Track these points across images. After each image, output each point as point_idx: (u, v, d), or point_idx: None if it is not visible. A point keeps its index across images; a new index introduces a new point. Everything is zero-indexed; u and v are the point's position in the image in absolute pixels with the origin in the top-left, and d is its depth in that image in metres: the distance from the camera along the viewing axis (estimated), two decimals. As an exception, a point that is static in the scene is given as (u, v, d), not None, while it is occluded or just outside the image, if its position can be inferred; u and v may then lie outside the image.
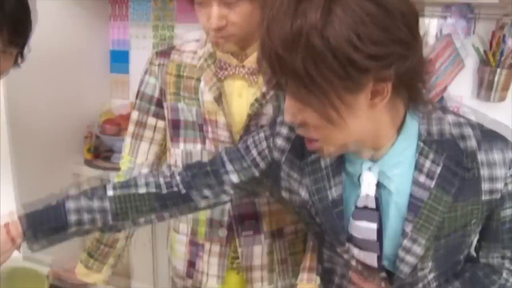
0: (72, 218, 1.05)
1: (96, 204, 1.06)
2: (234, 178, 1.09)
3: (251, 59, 1.26)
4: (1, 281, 1.09)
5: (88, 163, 2.48)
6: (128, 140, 1.40)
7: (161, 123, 1.36)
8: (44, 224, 1.04)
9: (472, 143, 0.93)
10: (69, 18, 2.42)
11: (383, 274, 1.05)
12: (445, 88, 2.11)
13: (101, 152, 2.55)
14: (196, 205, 1.11)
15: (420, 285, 1.03)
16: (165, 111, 1.34)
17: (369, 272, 1.07)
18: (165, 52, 1.36)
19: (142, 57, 2.61)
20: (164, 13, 2.57)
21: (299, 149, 1.02)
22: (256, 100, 1.25)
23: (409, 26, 0.78)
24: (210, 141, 1.30)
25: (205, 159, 1.29)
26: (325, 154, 0.91)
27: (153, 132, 1.37)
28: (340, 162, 0.98)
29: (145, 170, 1.40)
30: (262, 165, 1.07)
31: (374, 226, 0.96)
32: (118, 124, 2.46)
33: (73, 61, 2.47)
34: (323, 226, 1.01)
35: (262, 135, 1.08)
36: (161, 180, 1.11)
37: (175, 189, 1.10)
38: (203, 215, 1.35)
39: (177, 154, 1.34)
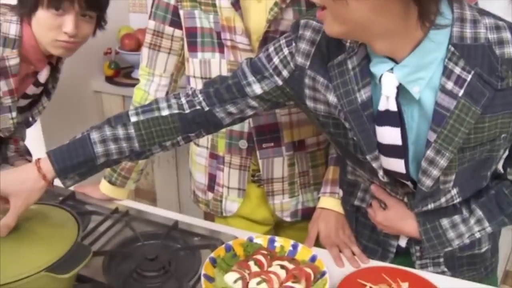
0: (99, 149, 1.03)
1: (120, 132, 1.05)
2: (257, 88, 1.05)
3: (271, -39, 1.18)
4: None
5: (109, 80, 2.46)
6: (145, 51, 1.35)
7: (178, 32, 1.31)
8: (73, 159, 1.02)
9: (510, 49, 0.85)
10: None
11: (408, 188, 1.02)
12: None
13: (121, 68, 2.51)
14: (221, 122, 1.09)
15: (443, 199, 1.00)
16: (182, 19, 1.28)
17: (392, 186, 1.05)
18: (181, -43, 1.27)
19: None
20: None
21: (325, 51, 0.96)
22: (276, 4, 1.18)
23: None
24: (228, 49, 1.24)
25: (224, 68, 1.26)
26: (326, 29, 0.87)
27: (170, 41, 1.32)
28: (366, 63, 0.92)
29: (164, 82, 1.36)
30: (285, 72, 1.02)
31: (397, 131, 0.91)
32: (137, 38, 2.40)
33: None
34: (353, 131, 0.96)
35: (283, 41, 1.02)
36: (183, 100, 1.08)
37: (198, 107, 1.06)
38: (223, 126, 1.33)
39: (195, 64, 1.30)
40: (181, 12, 1.27)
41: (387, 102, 0.90)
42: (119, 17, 2.61)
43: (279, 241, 1.16)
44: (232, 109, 1.07)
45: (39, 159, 1.03)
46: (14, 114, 1.42)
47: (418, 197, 0.99)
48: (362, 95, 0.93)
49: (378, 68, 0.89)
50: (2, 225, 0.97)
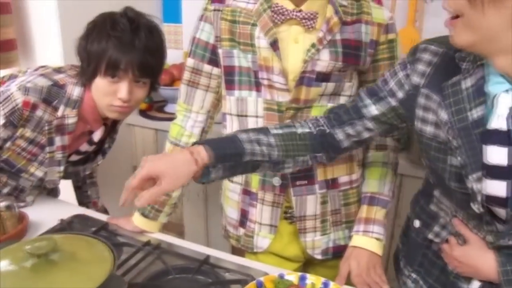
0: (248, 146, 1.09)
1: (264, 138, 1.12)
2: (373, 110, 1.12)
3: (308, 4, 1.22)
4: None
5: (142, 113, 2.51)
6: (183, 87, 1.39)
7: (216, 70, 1.34)
8: (226, 149, 1.06)
9: None
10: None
11: (493, 226, 0.98)
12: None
13: (154, 102, 2.57)
14: (339, 144, 1.17)
15: None
16: (220, 58, 1.31)
17: (477, 221, 1.02)
18: (220, -4, 1.32)
19: (195, 5, 2.59)
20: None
21: (441, 72, 1.00)
22: (313, 45, 1.21)
23: None
24: (265, 87, 1.27)
25: (260, 106, 1.28)
26: (454, 38, 0.89)
27: (208, 79, 1.36)
28: (482, 84, 0.94)
29: (200, 118, 1.40)
30: (400, 94, 1.08)
31: (505, 150, 0.91)
32: (171, 74, 2.46)
33: (126, 10, 2.46)
34: (460, 149, 0.95)
35: (398, 66, 1.09)
36: (310, 123, 1.18)
37: (322, 127, 1.16)
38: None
39: (232, 101, 1.33)
40: (220, 51, 1.31)
41: (498, 121, 0.91)
42: (155, 53, 2.68)
43: (310, 279, 1.15)
44: (350, 130, 1.15)
45: (189, 147, 1.05)
46: (62, 168, 1.51)
47: (509, 226, 0.96)
48: (474, 114, 0.94)
49: (495, 88, 0.91)
50: (142, 197, 1.00)
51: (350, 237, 1.34)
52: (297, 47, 1.24)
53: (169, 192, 1.38)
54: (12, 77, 1.51)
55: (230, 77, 1.31)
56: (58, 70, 1.47)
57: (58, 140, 1.44)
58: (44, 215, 1.49)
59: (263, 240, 1.40)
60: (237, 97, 1.31)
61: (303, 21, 1.21)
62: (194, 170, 1.02)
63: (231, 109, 1.34)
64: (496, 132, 0.91)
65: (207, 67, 1.35)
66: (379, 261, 1.28)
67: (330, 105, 1.29)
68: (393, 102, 1.10)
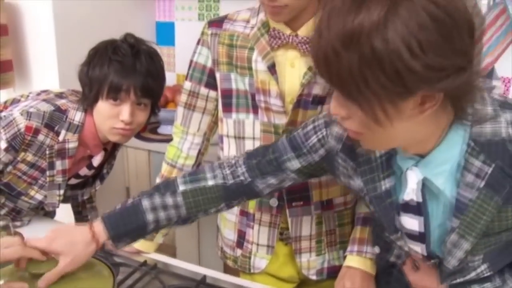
0: (150, 217, 1.11)
1: (169, 200, 1.12)
2: (296, 164, 1.11)
3: (305, 29, 1.25)
4: None
5: (135, 134, 2.51)
6: (180, 110, 1.42)
7: (213, 93, 1.37)
8: (127, 225, 1.11)
9: None
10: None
11: (435, 261, 1.04)
12: (496, 59, 2.04)
13: (148, 124, 2.58)
14: (261, 192, 1.16)
15: (473, 273, 1.01)
16: (218, 81, 1.34)
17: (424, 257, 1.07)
18: (217, 21, 1.36)
19: (188, 28, 2.65)
20: (209, -16, 2.56)
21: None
22: (309, 69, 1.24)
23: (472, 35, 0.75)
24: (262, 110, 1.30)
25: (257, 128, 1.31)
26: (366, 148, 0.92)
27: (205, 102, 1.38)
28: (393, 154, 0.97)
29: (197, 140, 1.42)
30: (321, 151, 1.08)
31: (419, 220, 0.96)
32: (164, 96, 2.47)
33: (120, 32, 2.49)
34: (377, 214, 1.02)
35: (322, 121, 1.08)
36: (227, 171, 1.15)
37: (241, 178, 1.14)
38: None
39: (229, 124, 1.35)
40: (217, 74, 1.34)
41: (410, 195, 0.94)
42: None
43: (306, 299, 1.17)
44: (272, 180, 1.13)
45: (92, 223, 1.10)
46: (61, 192, 1.52)
47: (444, 274, 1.01)
48: (386, 183, 0.98)
49: (403, 163, 0.94)
50: (44, 279, 1.02)
51: (344, 257, 1.36)
52: (293, 71, 1.27)
53: None
54: (14, 101, 1.53)
55: (227, 100, 1.34)
56: (60, 96, 1.49)
57: (59, 164, 1.46)
58: (40, 235, 1.49)
59: (260, 261, 1.41)
60: (235, 120, 1.34)
61: (299, 45, 1.25)
62: (94, 249, 1.09)
63: (228, 131, 1.36)
64: (410, 203, 0.96)
65: (204, 90, 1.37)
66: (372, 281, 1.30)
67: None
68: (316, 157, 1.09)
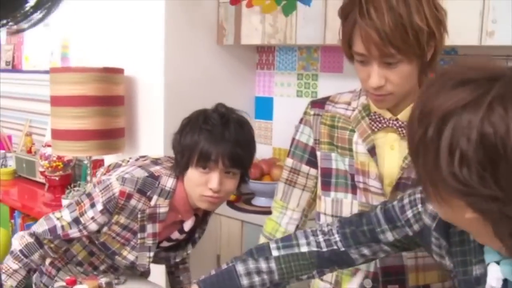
0: (245, 282, 1.14)
1: (263, 265, 1.15)
2: (389, 236, 1.11)
3: (405, 113, 1.28)
4: None
5: (230, 204, 2.59)
6: (281, 185, 1.46)
7: (313, 171, 1.41)
8: None
9: None
10: (219, 65, 2.61)
11: None
12: None
13: (243, 194, 2.65)
14: (354, 261, 1.16)
15: None
16: (318, 160, 1.39)
17: None
18: (320, 102, 1.42)
19: (286, 104, 2.74)
20: (309, 62, 2.66)
21: None
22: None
23: None
24: (361, 191, 1.31)
25: (355, 208, 1.32)
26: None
27: (306, 179, 1.43)
28: None
29: (296, 216, 1.45)
30: (416, 226, 1.07)
31: None
32: (260, 168, 2.55)
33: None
34: None
35: (418, 196, 1.08)
36: (320, 238, 1.16)
37: (334, 247, 1.15)
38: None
39: (327, 202, 1.38)
40: (318, 153, 1.38)
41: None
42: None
43: None
44: (366, 251, 1.13)
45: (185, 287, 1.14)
46: (151, 254, 1.57)
47: None
48: (477, 269, 0.94)
49: (488, 254, 0.92)
50: None
51: None
52: (393, 154, 1.29)
53: None
54: (116, 166, 1.63)
55: (327, 179, 1.37)
56: (155, 162, 1.57)
57: (150, 228, 1.51)
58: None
59: None
60: (333, 198, 1.36)
61: (400, 129, 1.27)
62: None
63: (326, 209, 1.38)
64: None
65: (305, 168, 1.42)
66: None
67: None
68: (409, 232, 1.08)
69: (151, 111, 2.35)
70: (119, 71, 2.41)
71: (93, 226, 1.50)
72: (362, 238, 1.13)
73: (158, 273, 1.88)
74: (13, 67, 3.86)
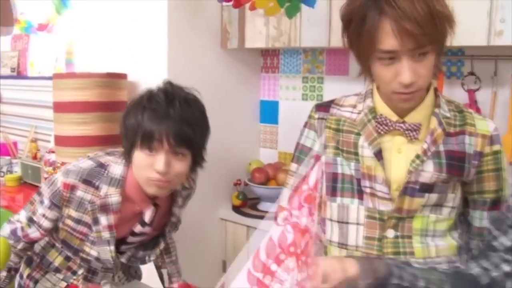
0: None
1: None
2: (505, 240, 1.09)
3: (412, 115, 1.25)
4: None
5: (235, 209, 2.57)
6: (286, 191, 1.43)
7: None
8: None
9: None
10: (223, 69, 2.58)
11: None
12: None
13: (248, 199, 2.63)
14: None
15: None
16: (323, 165, 1.35)
17: None
18: (324, 105, 1.39)
19: (291, 107, 2.71)
20: (314, 65, 2.63)
21: None
22: (417, 156, 1.22)
23: None
24: (367, 196, 1.28)
25: (361, 214, 1.29)
26: None
27: None
28: None
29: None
30: None
31: None
32: (266, 172, 2.53)
33: (226, 109, 2.62)
34: None
35: None
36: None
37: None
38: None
39: (333, 208, 1.34)
40: (323, 158, 1.35)
41: None
42: (250, 151, 2.79)
43: None
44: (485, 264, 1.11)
45: None
46: (112, 248, 1.49)
47: None
48: None
49: None
50: None
51: None
52: (400, 157, 1.25)
53: None
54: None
55: (332, 184, 1.34)
56: (109, 153, 1.52)
57: (104, 220, 1.45)
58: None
59: None
60: (339, 204, 1.33)
61: (407, 132, 1.24)
62: None
63: (331, 215, 1.35)
64: None
65: None
66: None
67: (432, 215, 1.27)
68: None
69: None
70: (122, 76, 2.39)
71: (46, 223, 1.49)
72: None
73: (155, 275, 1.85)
74: (18, 74, 3.85)
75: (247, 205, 2.61)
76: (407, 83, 1.15)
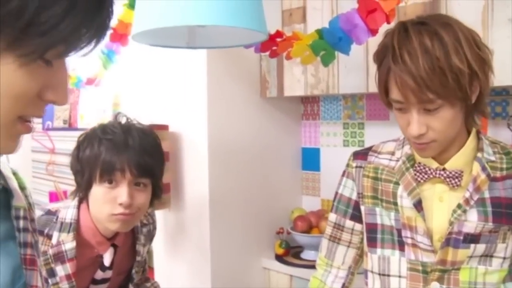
0: None
1: None
2: None
3: (453, 162, 1.21)
4: None
5: (278, 258, 2.53)
6: (325, 242, 1.41)
7: (358, 226, 1.35)
8: None
9: None
10: (263, 117, 2.60)
11: None
12: None
13: (291, 248, 2.59)
14: None
15: None
16: (363, 215, 1.33)
17: None
18: (362, 153, 1.37)
19: (333, 154, 2.69)
20: (354, 111, 2.61)
21: None
22: (459, 206, 1.18)
23: None
24: (409, 247, 1.24)
25: (403, 266, 1.24)
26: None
27: (350, 235, 1.36)
28: None
29: (341, 274, 1.38)
30: None
31: None
32: (309, 221, 2.49)
33: (267, 157, 2.62)
34: None
35: None
36: None
37: None
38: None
39: (373, 259, 1.30)
40: (362, 207, 1.32)
41: None
42: (293, 199, 2.77)
43: None
44: None
45: None
46: None
47: None
48: None
49: None
50: None
51: None
52: (442, 206, 1.21)
53: None
54: None
55: (372, 235, 1.30)
56: (58, 202, 1.46)
57: (60, 270, 1.34)
58: None
59: None
60: (379, 256, 1.29)
61: (448, 179, 1.20)
62: None
63: (372, 267, 1.31)
64: None
65: (349, 223, 1.36)
66: None
67: (480, 267, 1.21)
68: None
69: (196, 167, 2.35)
70: (164, 127, 2.44)
71: None
72: None
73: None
74: (70, 125, 4.00)
75: (290, 253, 2.56)
76: (414, 135, 1.13)
